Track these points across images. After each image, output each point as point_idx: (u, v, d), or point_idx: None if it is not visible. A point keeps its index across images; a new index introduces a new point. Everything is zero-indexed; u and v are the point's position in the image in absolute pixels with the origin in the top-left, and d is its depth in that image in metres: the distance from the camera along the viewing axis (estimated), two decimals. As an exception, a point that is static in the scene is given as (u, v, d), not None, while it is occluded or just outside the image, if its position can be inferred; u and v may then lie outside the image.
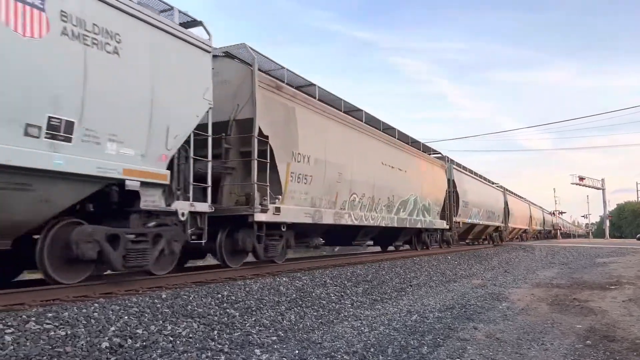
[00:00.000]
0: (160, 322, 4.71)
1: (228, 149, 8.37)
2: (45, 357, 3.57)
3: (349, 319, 5.89)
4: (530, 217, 43.06)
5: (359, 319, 5.89)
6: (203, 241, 7.27)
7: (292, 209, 9.12)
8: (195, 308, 5.34)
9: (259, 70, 8.65)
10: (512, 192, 35.81)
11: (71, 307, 4.63)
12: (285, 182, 8.94)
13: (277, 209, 8.56)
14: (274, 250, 8.95)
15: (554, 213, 75.55)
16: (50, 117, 4.97)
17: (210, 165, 7.39)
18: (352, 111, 12.56)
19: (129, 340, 4.13)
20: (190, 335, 4.52)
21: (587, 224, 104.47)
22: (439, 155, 20.25)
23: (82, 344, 3.87)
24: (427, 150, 18.58)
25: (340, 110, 11.71)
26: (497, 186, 31.09)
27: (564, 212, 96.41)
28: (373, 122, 13.59)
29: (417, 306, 6.93)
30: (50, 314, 4.31)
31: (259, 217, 8.08)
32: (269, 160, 8.41)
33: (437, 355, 4.34)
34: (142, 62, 6.11)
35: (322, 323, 5.63)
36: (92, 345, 3.90)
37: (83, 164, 5.32)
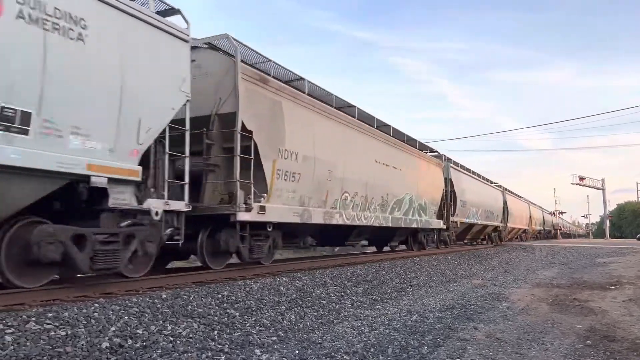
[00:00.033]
0: (161, 322, 4.71)
1: (210, 145, 7.96)
2: (45, 357, 3.57)
3: (349, 319, 5.89)
4: (530, 217, 42.83)
5: (359, 319, 5.89)
6: (180, 242, 6.86)
7: (278, 208, 8.77)
8: (196, 308, 5.34)
9: (243, 62, 8.30)
10: (511, 192, 35.55)
11: (71, 307, 4.63)
12: (271, 180, 8.58)
13: (262, 208, 8.19)
14: (259, 251, 8.57)
15: (554, 213, 75.55)
16: (3, 107, 4.62)
17: (187, 161, 7.00)
18: (345, 107, 12.24)
19: (129, 340, 4.13)
20: (191, 335, 4.52)
21: (587, 224, 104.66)
22: (436, 153, 19.80)
23: (83, 344, 3.87)
24: (423, 148, 18.12)
25: (332, 106, 11.38)
26: (496, 185, 30.85)
27: (564, 212, 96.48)
28: (367, 119, 13.23)
29: (417, 306, 6.93)
30: (50, 314, 4.31)
31: (242, 216, 7.69)
32: (253, 157, 8.01)
33: (437, 355, 4.34)
34: (110, 50, 5.71)
35: (322, 323, 5.63)
36: (93, 345, 3.90)
37: (41, 159, 4.94)
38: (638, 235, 57.75)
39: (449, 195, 19.58)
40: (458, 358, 4.27)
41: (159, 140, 6.61)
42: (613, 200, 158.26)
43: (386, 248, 16.97)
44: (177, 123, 6.82)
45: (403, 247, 17.19)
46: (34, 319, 4.13)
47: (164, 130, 6.60)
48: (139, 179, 6.10)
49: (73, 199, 5.61)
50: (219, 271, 7.91)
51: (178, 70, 6.77)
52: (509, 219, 31.67)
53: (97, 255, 5.60)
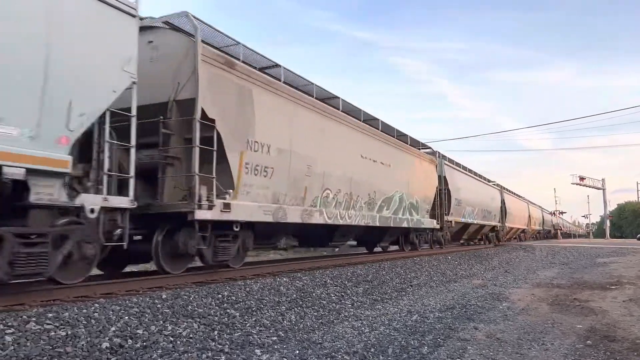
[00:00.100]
0: (161, 322, 4.71)
1: (169, 135, 7.15)
2: (45, 358, 3.57)
3: (350, 319, 5.89)
4: (529, 216, 42.45)
5: (360, 319, 5.89)
6: (124, 243, 6.05)
7: (246, 206, 7.96)
8: (196, 308, 5.34)
9: (206, 43, 7.66)
10: (509, 191, 35.11)
11: (71, 308, 4.63)
12: (237, 175, 7.79)
13: (227, 206, 7.39)
14: (225, 253, 7.72)
15: (554, 213, 75.54)
16: None
17: (133, 152, 6.26)
18: (328, 99, 11.47)
19: (130, 340, 4.13)
20: (191, 336, 4.52)
21: (587, 224, 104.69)
22: (429, 150, 18.85)
23: (83, 344, 3.87)
24: (415, 144, 17.17)
25: (312, 96, 10.60)
26: (494, 184, 30.35)
27: (565, 212, 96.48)
28: (352, 112, 12.43)
29: (418, 306, 6.93)
30: (50, 314, 4.31)
31: (202, 214, 6.92)
32: (215, 148, 7.20)
33: (437, 355, 4.34)
34: (32, 19, 4.97)
35: (322, 323, 5.63)
36: (93, 345, 3.90)
37: None
38: (638, 235, 57.77)
39: (443, 194, 18.84)
40: (458, 358, 4.27)
41: (109, 128, 5.97)
42: (613, 200, 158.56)
43: (377, 249, 16.38)
44: (127, 109, 6.16)
45: (395, 247, 16.59)
46: (34, 319, 4.14)
47: (104, 115, 5.84)
48: (68, 170, 5.30)
49: None
50: (177, 275, 7.23)
51: (122, 48, 6.02)
52: (507, 219, 31.29)
53: (18, 260, 4.83)
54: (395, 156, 14.53)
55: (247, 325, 5.13)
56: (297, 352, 4.30)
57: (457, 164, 22.25)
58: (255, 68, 9.02)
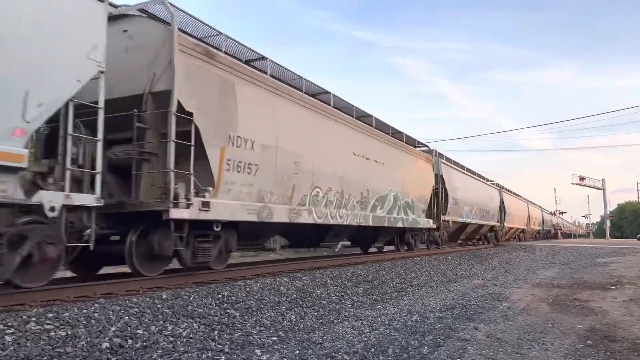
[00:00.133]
0: (161, 322, 4.71)
1: (144, 130, 6.75)
2: (45, 358, 3.57)
3: (350, 319, 5.89)
4: (529, 216, 42.08)
5: (360, 319, 5.88)
6: (90, 244, 5.72)
7: (228, 205, 7.55)
8: (196, 308, 5.34)
9: (184, 32, 7.32)
10: (508, 190, 34.72)
11: (71, 308, 4.63)
12: (218, 171, 7.39)
13: (206, 204, 7.01)
14: (205, 254, 7.32)
15: (554, 213, 75.53)
16: None
17: (100, 146, 5.87)
18: (319, 94, 11.10)
19: (130, 340, 4.13)
20: (191, 336, 4.52)
21: (587, 224, 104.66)
22: (426, 148, 18.38)
23: (83, 345, 3.87)
24: (411, 142, 16.71)
25: (302, 91, 10.20)
26: (492, 183, 29.97)
27: (565, 212, 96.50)
28: (344, 108, 12.03)
29: (418, 306, 6.93)
30: (50, 315, 4.31)
31: (178, 213, 6.52)
32: (193, 143, 6.83)
33: (437, 355, 4.34)
34: None
35: (322, 323, 5.63)
36: (93, 345, 3.90)
37: None
38: (638, 235, 57.78)
39: (440, 193, 18.46)
40: (458, 358, 4.27)
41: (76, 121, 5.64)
42: (613, 200, 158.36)
43: (372, 249, 16.11)
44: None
45: (391, 248, 16.23)
46: (34, 319, 4.14)
47: (67, 107, 5.51)
48: (23, 164, 4.98)
49: None
50: (154, 278, 6.87)
51: (87, 35, 5.64)
52: (506, 219, 30.94)
53: None
54: (390, 154, 14.13)
55: (247, 325, 5.13)
56: (297, 352, 4.30)
57: (455, 163, 21.88)
58: (240, 61, 8.64)
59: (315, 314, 6.06)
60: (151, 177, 6.77)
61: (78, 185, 5.79)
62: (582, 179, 66.67)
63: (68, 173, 5.52)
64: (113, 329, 4.28)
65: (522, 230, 39.82)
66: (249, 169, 8.06)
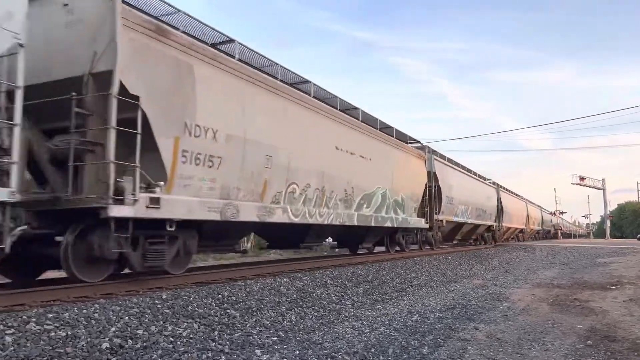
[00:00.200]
0: (161, 322, 4.71)
1: (85, 116, 5.95)
2: (45, 358, 3.57)
3: (350, 320, 5.89)
4: (527, 216, 41.49)
5: (360, 320, 5.88)
6: (4, 246, 5.02)
7: (184, 201, 6.79)
8: (196, 309, 5.34)
9: (134, 7, 6.66)
10: (506, 189, 34.06)
11: (71, 308, 4.63)
12: (172, 164, 6.63)
13: (155, 201, 6.23)
14: (158, 257, 6.55)
15: (554, 213, 75.54)
16: None
17: (17, 132, 5.08)
18: (297, 83, 10.41)
19: (130, 340, 4.13)
20: (191, 336, 4.51)
21: (587, 224, 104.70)
22: (418, 144, 17.54)
23: (83, 345, 3.87)
24: (402, 137, 15.83)
25: (277, 79, 9.46)
26: (490, 182, 29.12)
27: (565, 212, 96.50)
28: (328, 100, 11.33)
29: (418, 306, 6.93)
30: (50, 315, 4.31)
31: (119, 211, 5.76)
32: (140, 131, 6.04)
33: (437, 355, 4.34)
34: None
35: (322, 323, 5.63)
36: (93, 345, 3.90)
37: None
38: (638, 235, 57.79)
39: (433, 191, 17.65)
40: (459, 358, 4.27)
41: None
42: (613, 200, 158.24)
43: (362, 250, 15.26)
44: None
45: (382, 248, 15.51)
46: (34, 319, 4.14)
47: None
48: None
49: None
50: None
51: None
52: (504, 218, 30.29)
53: None
54: (378, 149, 13.30)
55: (248, 325, 5.13)
56: (297, 352, 4.30)
57: (449, 160, 21.13)
58: (206, 44, 7.97)
59: (316, 314, 6.06)
60: (97, 171, 5.96)
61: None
62: (582, 179, 66.69)
63: None
64: (113, 329, 4.28)
65: (521, 230, 39.31)
66: (210, 162, 7.27)
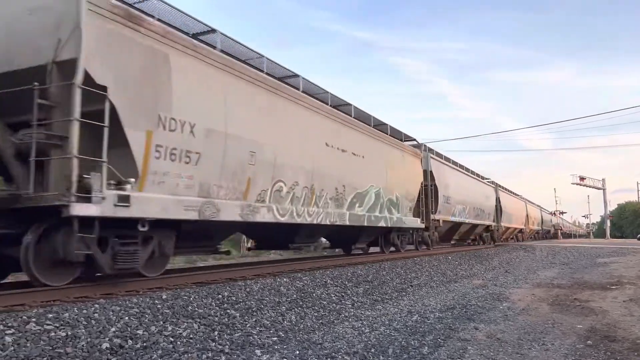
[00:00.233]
0: (161, 322, 4.71)
1: (50, 108, 5.58)
2: (45, 358, 3.57)
3: (350, 320, 5.89)
4: (527, 216, 41.11)
5: (360, 320, 5.89)
6: None
7: (158, 199, 6.34)
8: (196, 309, 5.34)
9: None
10: (505, 189, 33.71)
11: (72, 308, 4.63)
12: (144, 160, 6.19)
13: (125, 198, 5.82)
14: (129, 259, 6.13)
15: (554, 213, 75.55)
16: None
17: None
18: (286, 77, 10.00)
19: (130, 341, 4.13)
20: (191, 336, 4.52)
21: (587, 224, 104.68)
22: (414, 142, 16.97)
23: (83, 345, 3.87)
24: (397, 135, 15.34)
25: (262, 72, 9.03)
26: (488, 181, 28.84)
27: (565, 212, 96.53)
28: (319, 95, 10.96)
29: (418, 306, 6.93)
30: (50, 315, 4.31)
31: (83, 209, 5.37)
32: (107, 124, 5.64)
33: (437, 355, 4.34)
34: None
35: (322, 323, 5.63)
36: (93, 346, 3.90)
37: None
38: (639, 235, 57.79)
39: (430, 190, 17.23)
40: (459, 358, 4.27)
41: None
42: (613, 200, 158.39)
43: (357, 251, 14.83)
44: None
45: (378, 249, 15.13)
46: (34, 319, 4.14)
47: None
48: None
49: None
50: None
51: None
52: (503, 218, 29.90)
53: None
54: (371, 147, 12.88)
55: (248, 325, 5.13)
56: (298, 352, 4.30)
57: (446, 159, 20.70)
58: (187, 34, 7.62)
59: (316, 314, 6.07)
60: (62, 167, 5.56)
61: None
62: (582, 179, 66.70)
63: None
64: (113, 329, 4.28)
65: (520, 230, 38.86)
66: (187, 158, 6.82)
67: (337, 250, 16.13)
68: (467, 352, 4.46)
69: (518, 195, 40.73)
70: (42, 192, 5.51)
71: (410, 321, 5.79)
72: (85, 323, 4.28)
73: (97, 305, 4.82)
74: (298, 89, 10.09)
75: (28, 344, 3.70)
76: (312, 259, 12.79)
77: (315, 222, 10.06)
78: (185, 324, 4.80)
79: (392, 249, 15.05)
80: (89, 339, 3.98)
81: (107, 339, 4.06)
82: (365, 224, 12.40)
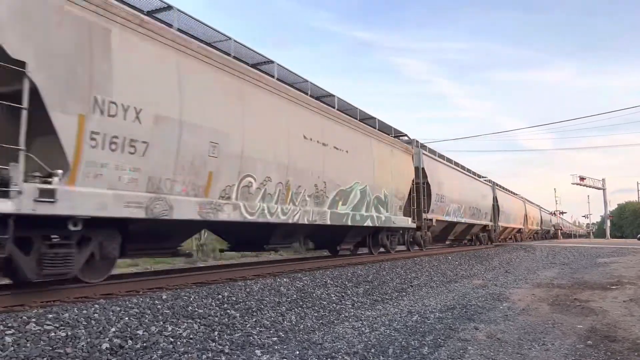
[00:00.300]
0: (161, 323, 4.71)
1: None
2: (45, 358, 3.57)
3: (350, 320, 5.89)
4: (526, 215, 40.42)
5: (360, 320, 5.88)
6: None
7: (93, 194, 5.51)
8: (196, 309, 5.34)
9: None
10: (503, 188, 33.01)
11: (71, 308, 4.63)
12: (75, 148, 5.36)
13: (48, 193, 5.02)
14: (59, 263, 5.35)
15: (554, 213, 75.54)
16: None
17: None
18: (259, 64, 9.24)
19: (130, 341, 4.13)
20: (191, 336, 4.51)
21: (588, 224, 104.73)
22: (405, 137, 16.13)
23: (83, 345, 3.87)
24: (386, 129, 14.48)
25: (229, 55, 8.23)
26: (485, 180, 27.98)
27: (565, 212, 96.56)
28: (297, 84, 10.30)
29: (418, 306, 6.93)
30: (50, 315, 4.31)
31: None
32: (27, 106, 4.91)
33: (438, 355, 4.34)
34: None
35: (322, 324, 5.63)
36: (93, 346, 3.90)
37: None
38: (639, 235, 57.79)
39: (422, 188, 16.49)
40: (459, 358, 4.27)
41: None
42: (614, 200, 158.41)
43: (344, 252, 14.00)
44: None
45: (366, 250, 14.44)
46: (34, 319, 4.14)
47: None
48: None
49: None
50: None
51: None
52: (501, 218, 29.29)
53: None
54: (356, 141, 12.05)
55: (248, 325, 5.13)
56: (298, 352, 4.30)
57: (441, 156, 19.96)
58: (142, 12, 6.91)
59: (316, 314, 6.06)
60: None
61: None
62: (582, 179, 66.68)
63: None
64: (113, 329, 4.27)
65: (519, 230, 38.26)
66: (132, 148, 5.99)
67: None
68: (467, 352, 4.46)
69: (516, 194, 40.11)
70: None
71: (410, 321, 5.79)
72: (85, 323, 4.28)
73: (97, 306, 4.82)
74: (273, 77, 9.28)
75: (28, 344, 3.71)
76: (312, 259, 12.77)
77: (290, 221, 9.20)
78: (185, 324, 4.80)
79: (381, 249, 14.40)
80: (89, 339, 3.98)
81: (107, 339, 4.06)
82: (350, 224, 11.59)
